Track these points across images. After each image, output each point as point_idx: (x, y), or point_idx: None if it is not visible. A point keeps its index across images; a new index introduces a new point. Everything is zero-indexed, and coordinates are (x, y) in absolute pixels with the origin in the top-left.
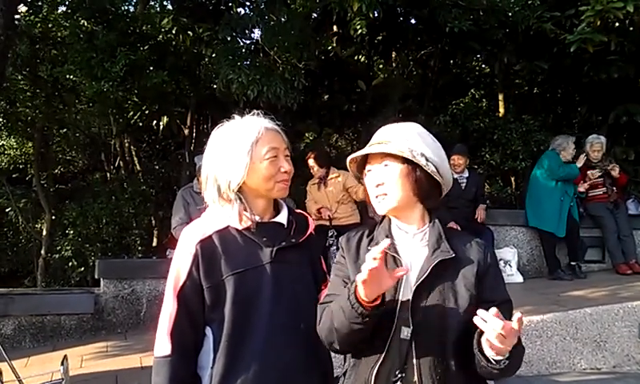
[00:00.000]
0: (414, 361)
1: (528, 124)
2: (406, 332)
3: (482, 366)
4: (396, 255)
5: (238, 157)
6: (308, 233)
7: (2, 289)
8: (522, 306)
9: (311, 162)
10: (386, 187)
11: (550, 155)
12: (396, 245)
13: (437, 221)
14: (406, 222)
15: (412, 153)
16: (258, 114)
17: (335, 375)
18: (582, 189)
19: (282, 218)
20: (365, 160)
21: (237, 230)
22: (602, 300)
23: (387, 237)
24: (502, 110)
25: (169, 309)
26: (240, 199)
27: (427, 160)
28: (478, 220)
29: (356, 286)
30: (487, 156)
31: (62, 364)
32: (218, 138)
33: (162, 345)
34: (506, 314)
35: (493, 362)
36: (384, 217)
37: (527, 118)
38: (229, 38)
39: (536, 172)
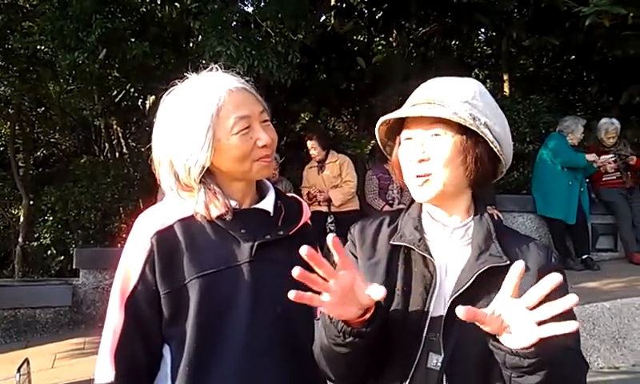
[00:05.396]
0: None
1: (536, 105)
2: (435, 360)
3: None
4: (427, 255)
5: (195, 135)
6: (301, 222)
7: None
8: None
9: (311, 144)
10: (432, 165)
11: (556, 137)
12: (427, 241)
13: (485, 213)
14: (447, 211)
15: (475, 121)
16: (216, 68)
17: None
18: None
19: (268, 203)
20: (400, 124)
21: (207, 219)
22: (620, 293)
23: (416, 229)
24: (507, 91)
25: (113, 322)
26: (208, 186)
27: (491, 131)
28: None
29: None
30: None
31: (19, 371)
32: (167, 109)
33: (104, 368)
34: (568, 338)
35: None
36: (412, 201)
37: (535, 98)
38: (216, 7)
39: (542, 154)
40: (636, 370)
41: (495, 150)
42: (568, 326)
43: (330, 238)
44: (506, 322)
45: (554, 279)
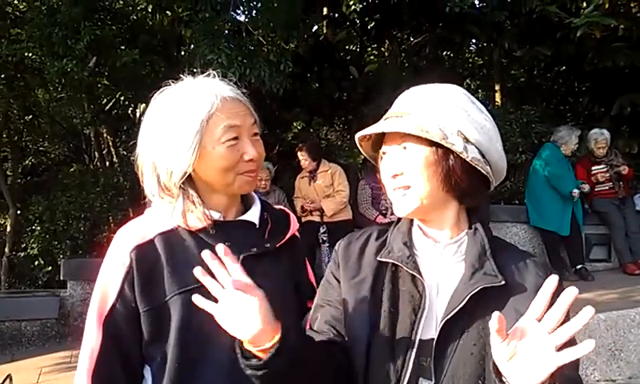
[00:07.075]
0: None
1: (528, 115)
2: None
3: None
4: (416, 274)
5: (182, 138)
6: (289, 234)
7: None
8: None
9: (301, 155)
10: (405, 178)
11: (549, 147)
12: (417, 258)
13: (479, 227)
14: (435, 226)
15: (443, 132)
16: (213, 75)
17: None
18: (586, 188)
19: (253, 215)
20: (382, 138)
21: (189, 231)
22: (615, 304)
23: (405, 245)
24: (498, 101)
25: (91, 342)
26: (188, 194)
27: (467, 141)
28: None
29: None
30: None
31: None
32: (156, 109)
33: None
34: (571, 369)
35: None
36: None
37: (527, 108)
38: (208, 16)
39: (535, 165)
40: (632, 383)
41: (469, 161)
42: (585, 347)
43: (221, 248)
44: (521, 348)
45: (569, 295)
